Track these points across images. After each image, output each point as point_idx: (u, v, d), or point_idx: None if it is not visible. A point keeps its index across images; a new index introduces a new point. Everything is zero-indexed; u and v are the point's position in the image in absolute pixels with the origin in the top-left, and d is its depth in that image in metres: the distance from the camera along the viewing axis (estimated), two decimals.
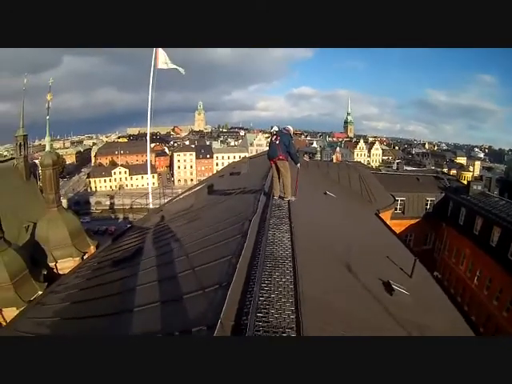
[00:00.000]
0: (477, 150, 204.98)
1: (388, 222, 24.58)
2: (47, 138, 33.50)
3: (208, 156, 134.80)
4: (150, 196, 33.00)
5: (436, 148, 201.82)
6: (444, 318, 10.82)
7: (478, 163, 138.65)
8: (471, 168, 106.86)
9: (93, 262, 15.25)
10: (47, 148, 32.86)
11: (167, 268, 9.22)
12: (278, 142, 10.50)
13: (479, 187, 35.12)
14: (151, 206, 29.03)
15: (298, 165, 11.27)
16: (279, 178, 11.11)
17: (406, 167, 74.50)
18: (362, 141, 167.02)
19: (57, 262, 28.32)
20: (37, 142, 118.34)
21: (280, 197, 11.41)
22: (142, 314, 7.11)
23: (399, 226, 32.52)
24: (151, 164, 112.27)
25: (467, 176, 66.29)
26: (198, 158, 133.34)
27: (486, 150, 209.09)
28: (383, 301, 8.82)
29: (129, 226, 22.50)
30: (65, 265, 27.60)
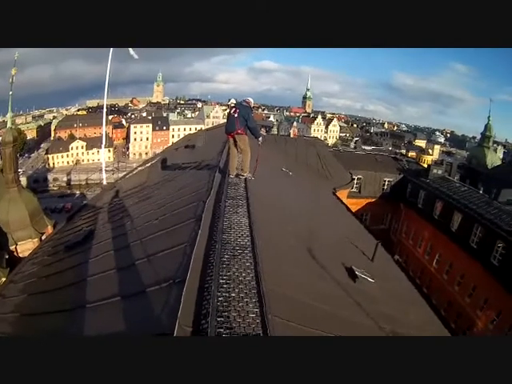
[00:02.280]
0: (438, 133, 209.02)
1: (344, 201, 24.61)
2: (9, 114, 31.96)
3: (164, 128, 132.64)
4: (104, 173, 32.01)
5: (396, 128, 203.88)
6: (411, 308, 10.80)
7: (437, 147, 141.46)
8: (430, 151, 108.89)
9: (48, 246, 14.46)
10: (8, 124, 31.17)
11: (119, 256, 8.52)
12: (236, 116, 9.97)
13: (440, 171, 35.68)
14: (105, 183, 28.09)
15: (260, 139, 10.72)
16: (238, 153, 10.71)
17: (363, 146, 75.04)
18: (319, 116, 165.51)
19: (17, 245, 27.06)
20: (0, 119, 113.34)
21: (237, 175, 10.97)
22: (93, 312, 6.44)
23: (355, 204, 32.76)
24: (108, 137, 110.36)
25: (427, 159, 67.58)
26: (154, 129, 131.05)
27: (448, 135, 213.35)
28: (349, 290, 8.64)
29: (84, 203, 21.71)
30: (25, 247, 26.36)
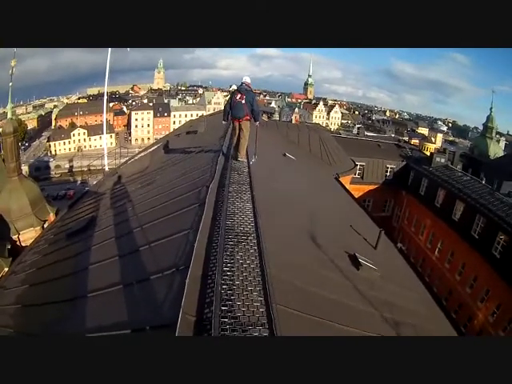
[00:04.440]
0: (440, 122, 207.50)
1: (347, 187, 24.56)
2: (9, 105, 32.20)
3: (166, 114, 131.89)
4: (106, 158, 31.92)
5: (397, 116, 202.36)
6: (414, 297, 10.77)
7: (440, 135, 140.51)
8: (433, 139, 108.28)
9: (49, 235, 14.44)
10: (9, 115, 31.46)
11: (122, 243, 8.43)
12: (243, 102, 10.15)
13: (442, 160, 35.53)
14: (107, 169, 27.99)
15: (257, 123, 10.91)
16: (239, 137, 10.80)
17: (366, 132, 74.52)
18: (321, 103, 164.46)
19: (19, 234, 27.03)
20: (1, 110, 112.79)
21: (237, 159, 11.16)
22: (95, 301, 6.41)
23: (358, 190, 32.76)
24: (109, 124, 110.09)
25: (430, 147, 67.12)
26: (155, 116, 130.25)
27: (450, 125, 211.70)
28: (353, 278, 8.61)
29: (86, 189, 21.64)
30: (27, 236, 26.20)
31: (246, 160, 11.14)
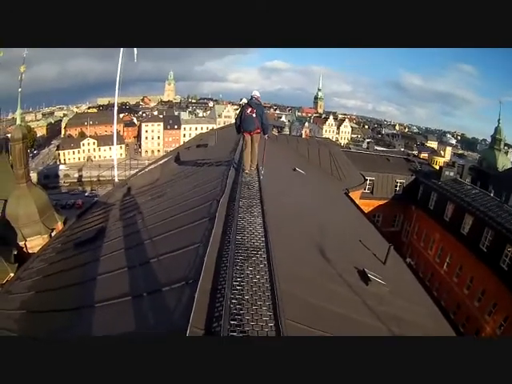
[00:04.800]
0: (449, 136, 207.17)
1: (357, 202, 24.55)
2: (18, 111, 32.13)
3: (176, 127, 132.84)
4: (116, 170, 31.99)
5: (406, 130, 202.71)
6: (422, 312, 10.69)
7: (449, 149, 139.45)
8: (442, 153, 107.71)
9: (57, 243, 14.52)
10: (18, 121, 31.65)
11: (130, 255, 8.45)
12: (254, 116, 10.43)
13: (451, 173, 35.40)
14: (117, 180, 28.10)
15: (266, 136, 11.15)
16: (251, 150, 11.07)
17: (376, 147, 74.56)
18: (331, 117, 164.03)
19: (26, 241, 27.09)
20: (10, 116, 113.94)
21: (249, 169, 11.43)
22: (102, 311, 6.40)
23: (367, 205, 32.68)
24: (119, 135, 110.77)
25: (439, 161, 67.09)
26: (165, 128, 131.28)
27: (459, 137, 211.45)
28: (362, 293, 8.56)
29: (95, 200, 21.74)
30: (34, 243, 26.23)
31: (256, 171, 11.36)
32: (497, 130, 75.48)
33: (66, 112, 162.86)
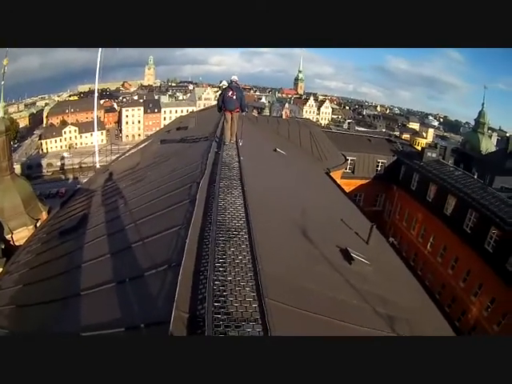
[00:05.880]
0: (431, 118, 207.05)
1: (338, 181, 24.61)
2: (1, 104, 31.74)
3: (156, 110, 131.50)
4: (97, 155, 31.69)
5: (388, 112, 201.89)
6: (407, 292, 10.80)
7: (431, 130, 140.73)
8: (424, 135, 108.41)
9: (42, 233, 14.31)
10: (0, 114, 30.93)
11: (114, 240, 8.40)
12: (235, 98, 12.24)
13: (434, 155, 35.69)
14: (98, 166, 27.84)
15: (244, 113, 13.26)
16: (231, 125, 12.96)
17: (357, 127, 74.59)
18: (311, 98, 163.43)
19: (12, 234, 26.83)
20: None
21: (229, 141, 13.22)
22: (88, 299, 6.36)
23: (349, 185, 32.66)
24: (100, 120, 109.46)
25: (421, 142, 67.62)
26: (146, 112, 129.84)
27: (441, 120, 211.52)
28: (345, 273, 8.60)
29: (77, 187, 21.50)
30: (20, 235, 26.02)
31: (235, 144, 12.90)
32: (481, 114, 76.12)
33: (47, 101, 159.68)
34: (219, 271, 4.95)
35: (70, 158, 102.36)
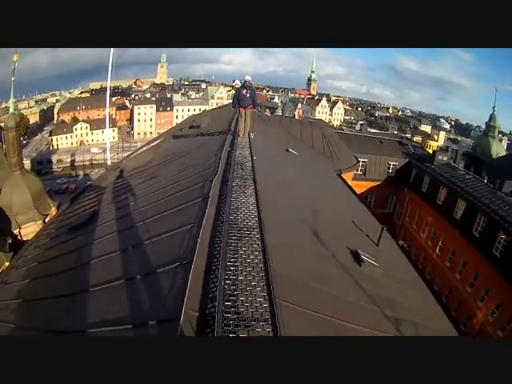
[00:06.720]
0: (442, 120, 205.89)
1: (350, 183, 24.52)
2: (11, 100, 31.83)
3: (168, 109, 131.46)
4: (108, 152, 31.79)
5: (400, 113, 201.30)
6: (415, 295, 10.71)
7: (442, 133, 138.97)
8: (436, 137, 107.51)
9: (51, 229, 14.39)
10: (11, 110, 31.31)
11: (124, 237, 8.42)
12: (248, 96, 13.59)
13: (445, 158, 35.41)
14: (109, 163, 27.92)
15: (256, 110, 14.71)
16: (244, 120, 14.43)
17: (369, 129, 74.20)
18: (324, 99, 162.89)
19: (20, 228, 27.02)
20: (4, 105, 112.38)
21: (243, 134, 14.67)
22: (97, 295, 6.37)
23: (360, 187, 32.48)
24: (111, 118, 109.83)
25: (433, 145, 67.13)
26: (158, 110, 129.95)
27: (453, 123, 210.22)
28: (354, 274, 8.55)
29: (88, 184, 21.59)
30: (28, 230, 26.27)
31: (247, 137, 14.25)
32: (492, 117, 75.18)
33: (58, 98, 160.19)
34: (230, 270, 4.93)
35: (81, 155, 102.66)
